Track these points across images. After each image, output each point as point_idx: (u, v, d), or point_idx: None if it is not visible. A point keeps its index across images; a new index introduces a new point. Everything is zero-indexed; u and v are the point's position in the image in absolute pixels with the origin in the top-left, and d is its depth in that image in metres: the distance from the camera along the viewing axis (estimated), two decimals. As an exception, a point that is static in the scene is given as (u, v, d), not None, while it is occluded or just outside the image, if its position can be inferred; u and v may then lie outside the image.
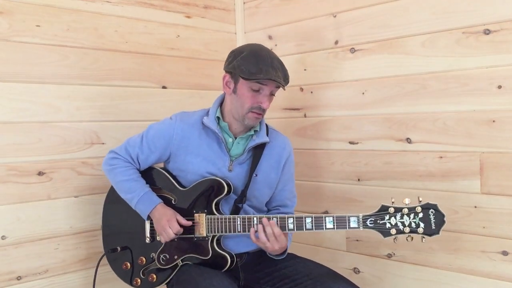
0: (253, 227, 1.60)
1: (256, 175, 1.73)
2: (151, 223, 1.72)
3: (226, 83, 1.70)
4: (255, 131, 1.74)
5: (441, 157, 1.87)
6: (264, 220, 1.58)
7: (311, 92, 2.27)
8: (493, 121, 1.74)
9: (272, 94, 1.68)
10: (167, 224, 1.64)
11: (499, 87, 1.72)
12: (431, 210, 1.46)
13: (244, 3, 2.53)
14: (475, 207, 1.79)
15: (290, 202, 1.85)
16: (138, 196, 1.69)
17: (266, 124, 1.80)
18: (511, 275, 1.73)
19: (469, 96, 1.79)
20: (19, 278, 1.84)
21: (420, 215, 1.47)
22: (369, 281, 2.12)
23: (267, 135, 1.76)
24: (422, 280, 1.95)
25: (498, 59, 1.71)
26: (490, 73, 1.74)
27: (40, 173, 1.89)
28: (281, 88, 1.67)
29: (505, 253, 1.74)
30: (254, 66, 1.59)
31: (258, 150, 1.74)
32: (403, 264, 2.01)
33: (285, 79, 1.66)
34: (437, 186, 1.88)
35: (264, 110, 1.67)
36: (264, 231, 1.58)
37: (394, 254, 2.03)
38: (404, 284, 2.01)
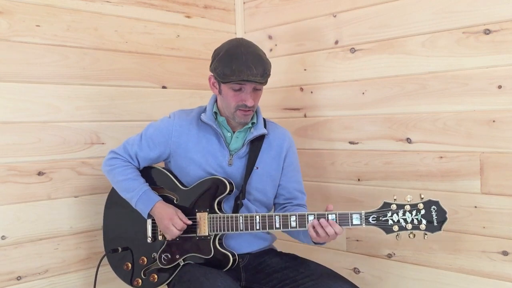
0: (307, 223, 1.55)
1: (257, 167, 1.73)
2: (153, 223, 1.72)
3: (213, 84, 1.71)
4: (252, 123, 1.74)
5: (441, 157, 1.87)
6: (323, 221, 1.52)
7: (311, 92, 2.27)
8: (493, 121, 1.74)
9: (256, 89, 1.65)
10: (169, 223, 1.64)
11: (499, 87, 1.72)
12: (433, 207, 1.46)
13: (244, 3, 2.53)
14: (475, 207, 1.79)
15: (300, 194, 1.83)
16: (137, 195, 1.69)
17: (264, 118, 1.80)
18: (511, 275, 1.73)
19: (469, 96, 1.79)
20: (19, 278, 1.84)
21: (422, 211, 1.46)
22: (369, 281, 2.12)
23: (265, 127, 1.76)
24: (422, 280, 1.95)
25: (498, 59, 1.71)
26: (490, 73, 1.74)
27: (40, 173, 1.89)
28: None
29: (505, 253, 1.74)
30: (228, 68, 1.58)
31: (257, 143, 1.74)
32: (403, 264, 2.00)
33: (263, 74, 1.60)
34: (437, 186, 1.88)
35: (253, 106, 1.65)
36: (324, 230, 1.52)
37: (394, 254, 2.03)
38: (404, 284, 2.01)
